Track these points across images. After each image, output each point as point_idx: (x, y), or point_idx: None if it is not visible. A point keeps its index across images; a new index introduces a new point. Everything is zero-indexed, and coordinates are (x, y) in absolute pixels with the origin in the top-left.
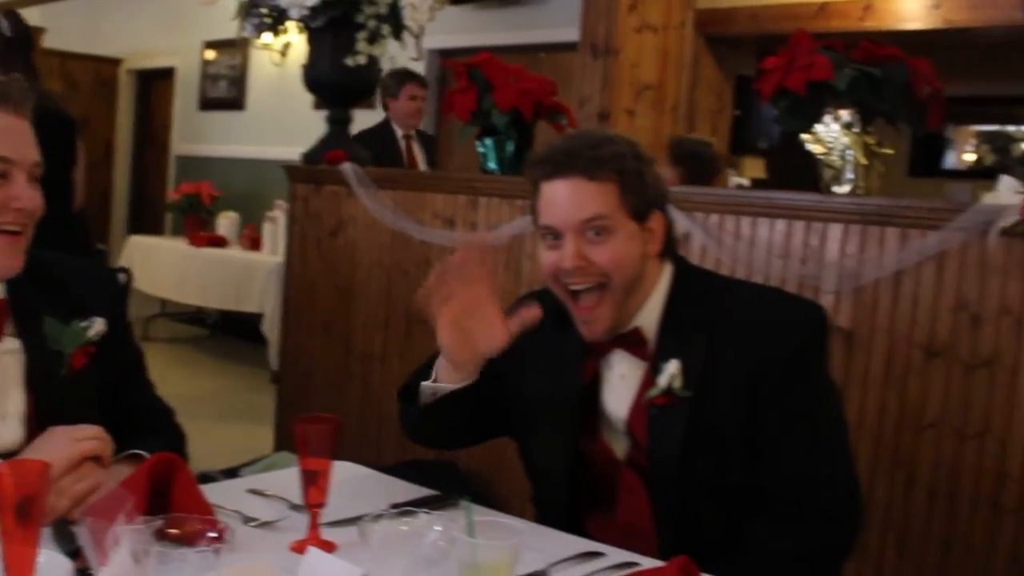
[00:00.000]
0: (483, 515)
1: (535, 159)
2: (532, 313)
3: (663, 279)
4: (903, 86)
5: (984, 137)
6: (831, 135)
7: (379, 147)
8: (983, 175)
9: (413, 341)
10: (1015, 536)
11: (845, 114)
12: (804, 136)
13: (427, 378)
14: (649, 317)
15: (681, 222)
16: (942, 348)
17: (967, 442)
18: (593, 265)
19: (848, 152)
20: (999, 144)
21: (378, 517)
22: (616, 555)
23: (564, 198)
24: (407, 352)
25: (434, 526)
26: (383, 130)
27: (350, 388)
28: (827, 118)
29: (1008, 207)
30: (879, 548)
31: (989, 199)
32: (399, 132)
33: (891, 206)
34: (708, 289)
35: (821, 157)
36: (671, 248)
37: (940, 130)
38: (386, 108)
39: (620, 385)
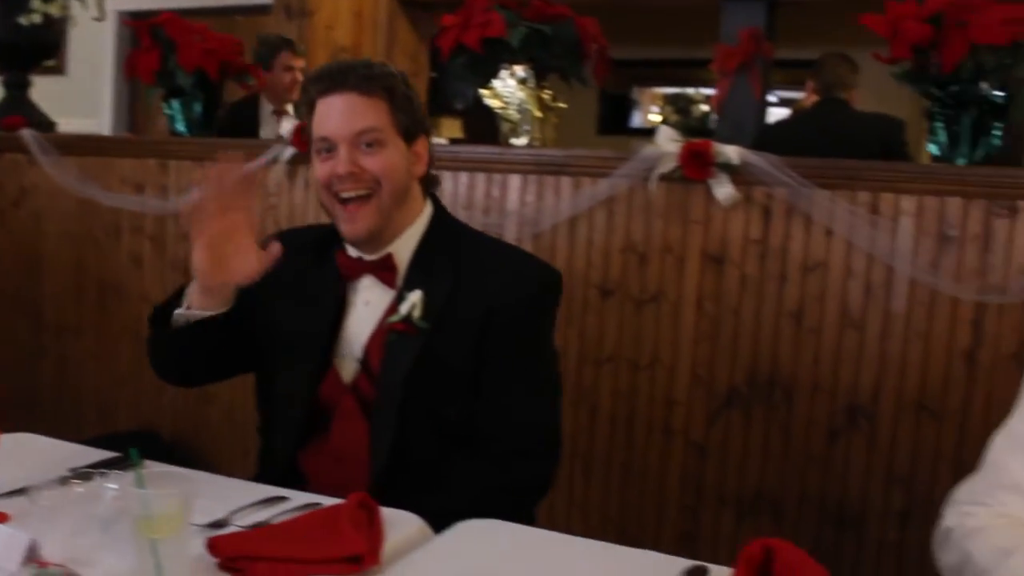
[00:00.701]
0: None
1: (310, 77)
2: (274, 249)
3: (423, 215)
4: (572, 43)
5: (667, 99)
6: (508, 90)
7: (241, 124)
8: None
9: (108, 311)
10: (684, 455)
11: (520, 70)
12: (483, 91)
13: (179, 306)
14: (404, 247)
15: None
16: (615, 287)
17: (640, 372)
18: (365, 172)
19: (524, 106)
20: (681, 105)
21: (50, 483)
22: (299, 498)
23: (339, 112)
24: (103, 323)
25: (109, 486)
26: (248, 105)
27: (44, 363)
28: (503, 74)
29: (666, 155)
30: (568, 476)
31: (650, 148)
32: (268, 108)
33: (565, 156)
34: (460, 234)
35: (500, 111)
36: (432, 184)
37: (603, 85)
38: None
39: (364, 311)
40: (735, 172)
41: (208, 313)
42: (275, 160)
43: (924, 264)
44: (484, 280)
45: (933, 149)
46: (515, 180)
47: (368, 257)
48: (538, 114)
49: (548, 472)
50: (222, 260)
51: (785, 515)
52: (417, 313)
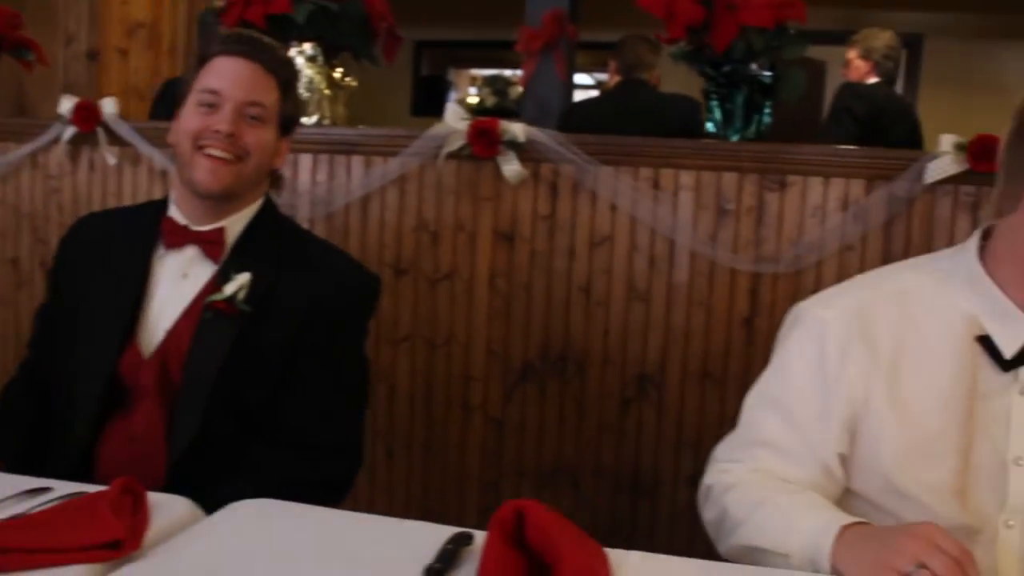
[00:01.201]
0: None
1: (223, 36)
2: None
3: (258, 204)
4: (361, 21)
5: (485, 80)
6: (297, 68)
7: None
8: (486, 115)
9: None
10: (483, 431)
11: (308, 47)
12: None
13: None
14: (235, 225)
15: (157, 159)
16: (408, 266)
17: (437, 350)
18: (241, 140)
19: (313, 85)
20: (498, 87)
21: None
22: (62, 488)
23: (239, 75)
24: None
25: None
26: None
27: None
28: (292, 52)
29: (454, 132)
30: (370, 456)
31: (438, 127)
32: None
33: (355, 135)
34: (289, 229)
35: None
36: (276, 183)
37: (392, 62)
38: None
39: (180, 285)
40: (522, 149)
41: None
42: (56, 140)
43: (703, 236)
44: (307, 276)
45: (710, 126)
46: (306, 160)
47: (196, 227)
48: (328, 92)
49: (350, 472)
50: None
51: (583, 485)
52: (242, 296)
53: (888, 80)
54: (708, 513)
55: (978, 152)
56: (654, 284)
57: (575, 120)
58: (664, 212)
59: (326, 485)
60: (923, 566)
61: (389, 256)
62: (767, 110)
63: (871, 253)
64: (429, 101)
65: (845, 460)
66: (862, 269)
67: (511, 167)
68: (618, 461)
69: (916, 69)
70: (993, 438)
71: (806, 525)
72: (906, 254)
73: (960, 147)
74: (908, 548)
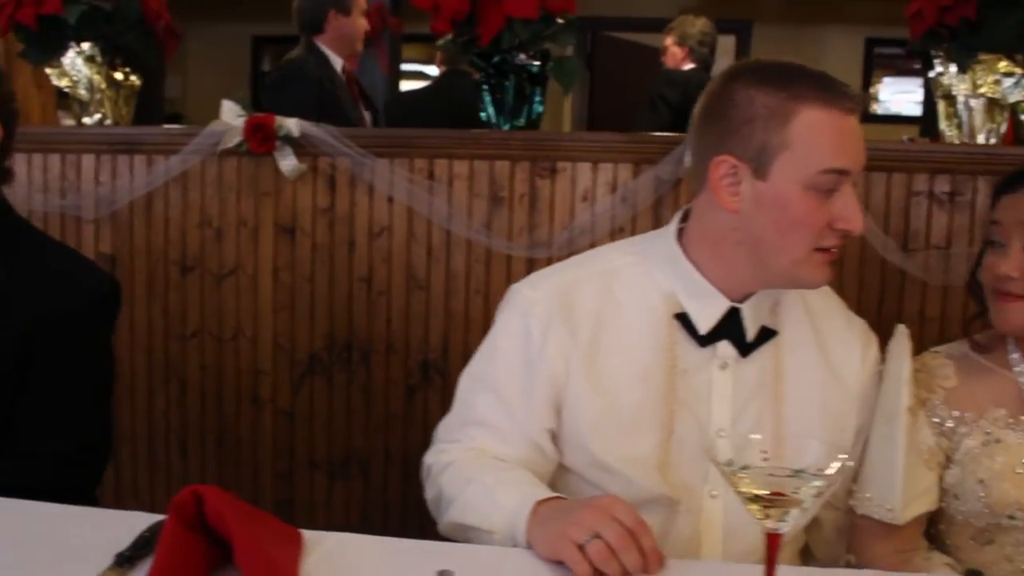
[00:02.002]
0: None
1: None
2: None
3: None
4: (137, 20)
5: None
6: (76, 68)
7: (320, 87)
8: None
9: None
10: (273, 423)
11: (87, 47)
12: (49, 70)
13: None
14: None
15: None
16: (194, 262)
17: (225, 345)
18: None
19: (93, 84)
20: None
21: None
22: None
23: None
24: None
25: None
26: (322, 63)
27: None
28: (71, 52)
29: (231, 129)
30: (165, 453)
31: (215, 123)
32: (338, 64)
33: (136, 133)
34: (22, 231)
35: (68, 90)
36: (4, 177)
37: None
38: (316, 32)
39: None
40: (297, 144)
41: None
42: None
43: (478, 224)
44: (40, 281)
45: (483, 116)
46: (89, 160)
47: None
48: (109, 92)
49: (93, 478)
50: None
51: (373, 474)
52: None
53: (704, 66)
54: (428, 492)
55: None
56: (433, 272)
57: (399, 111)
58: (439, 202)
59: (65, 493)
60: (598, 536)
61: (175, 253)
62: (538, 99)
63: (641, 233)
64: None
65: (555, 436)
66: None
67: (288, 162)
68: (406, 448)
69: (745, 55)
70: (695, 412)
71: (507, 502)
72: None
73: None
74: (585, 520)
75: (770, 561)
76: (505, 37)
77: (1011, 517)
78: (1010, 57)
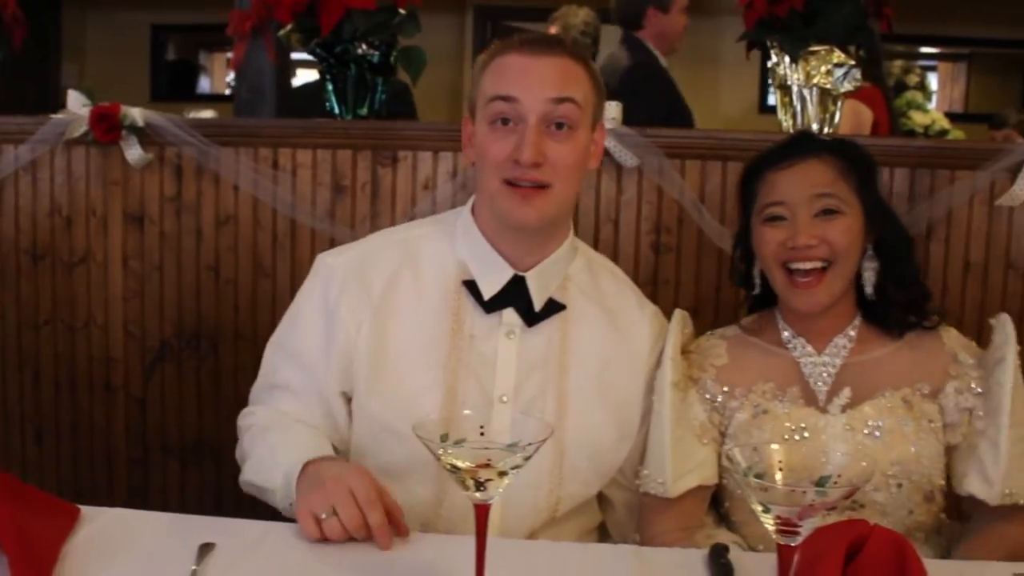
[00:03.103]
0: None
1: None
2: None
3: None
4: None
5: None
6: None
7: (650, 87)
8: None
9: None
10: (126, 410)
11: None
12: None
13: None
14: None
15: None
16: (45, 251)
17: (77, 333)
18: None
19: None
20: None
21: None
22: None
23: None
24: None
25: None
26: (649, 62)
27: None
28: None
29: (76, 119)
30: (20, 443)
31: (62, 113)
32: (663, 62)
33: (6, 123)
34: None
35: None
36: None
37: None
38: (635, 27)
39: None
40: (143, 134)
41: None
42: None
43: (322, 213)
44: None
45: (328, 106)
46: None
47: None
48: None
49: None
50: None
51: (225, 459)
52: None
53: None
54: (236, 453)
55: None
56: (279, 261)
57: (299, 102)
58: (284, 191)
59: None
60: (335, 512)
61: (25, 242)
62: (380, 88)
63: None
64: (177, 86)
65: (348, 399)
66: None
67: (133, 151)
68: None
69: None
70: (480, 377)
71: (285, 460)
72: None
73: None
74: (327, 494)
75: (479, 532)
76: (346, 27)
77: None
78: (843, 48)
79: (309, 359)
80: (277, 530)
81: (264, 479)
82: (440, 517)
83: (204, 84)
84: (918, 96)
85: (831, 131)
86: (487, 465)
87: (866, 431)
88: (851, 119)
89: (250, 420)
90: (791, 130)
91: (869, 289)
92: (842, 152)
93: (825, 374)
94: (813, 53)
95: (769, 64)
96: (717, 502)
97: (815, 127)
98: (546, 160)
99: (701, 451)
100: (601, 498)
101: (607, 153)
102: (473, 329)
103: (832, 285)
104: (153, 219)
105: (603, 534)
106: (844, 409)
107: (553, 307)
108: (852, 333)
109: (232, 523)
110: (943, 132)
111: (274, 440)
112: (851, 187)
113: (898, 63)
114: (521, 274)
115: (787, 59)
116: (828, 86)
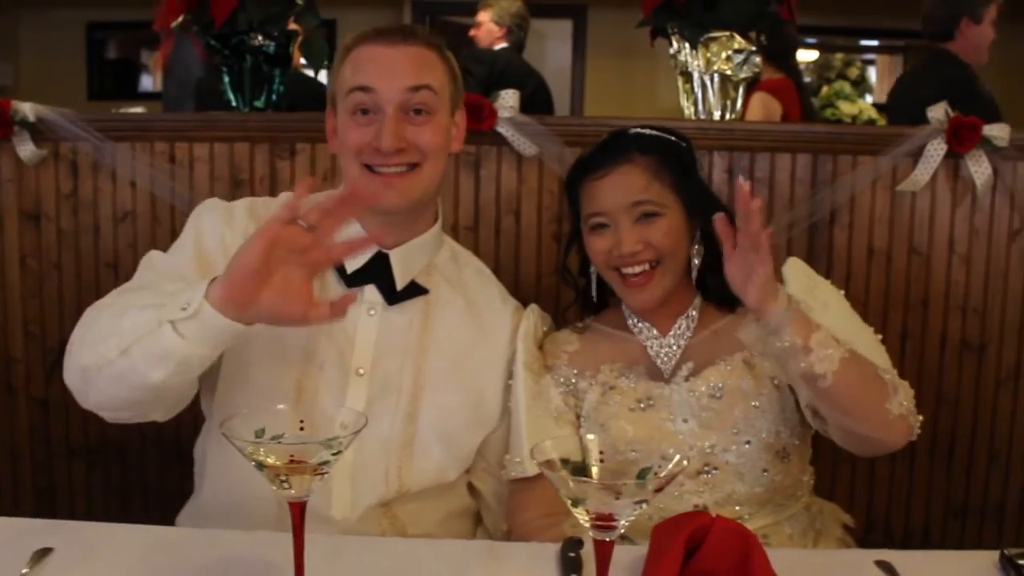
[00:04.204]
0: None
1: None
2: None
3: None
4: None
5: None
6: None
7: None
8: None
9: None
10: (28, 412)
11: None
12: None
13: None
14: None
15: None
16: None
17: None
18: None
19: None
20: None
21: None
22: None
23: None
24: None
25: None
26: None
27: None
28: None
29: None
30: None
31: None
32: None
33: None
34: None
35: None
36: None
37: None
38: (946, 38)
39: None
40: (35, 130)
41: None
42: None
43: None
44: None
45: (225, 98)
46: None
47: None
48: None
49: None
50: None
51: (130, 458)
52: None
53: (516, 47)
54: (75, 361)
55: (468, 114)
56: None
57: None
58: (181, 186)
59: None
60: None
61: None
62: (278, 80)
63: None
64: (118, 85)
65: None
66: None
67: (26, 148)
68: (161, 430)
69: (582, 39)
70: (340, 349)
71: (177, 291)
72: None
73: None
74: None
75: (296, 528)
76: (241, 18)
77: (634, 451)
78: (744, 35)
79: (179, 271)
80: (120, 533)
81: (149, 324)
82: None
83: (147, 83)
84: (845, 86)
85: (733, 117)
86: (299, 462)
87: (708, 394)
88: (760, 112)
89: (92, 315)
90: (693, 117)
91: (694, 275)
92: (656, 149)
93: (670, 353)
94: (714, 39)
95: (671, 51)
96: None
97: (717, 114)
98: (408, 144)
99: (559, 433)
100: (472, 490)
101: (506, 143)
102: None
103: (663, 280)
104: (50, 216)
105: (480, 521)
106: (687, 378)
107: (416, 289)
108: (693, 313)
109: (67, 526)
110: (871, 122)
111: (147, 296)
112: (667, 185)
113: (839, 56)
114: (385, 251)
115: (687, 46)
116: (729, 72)
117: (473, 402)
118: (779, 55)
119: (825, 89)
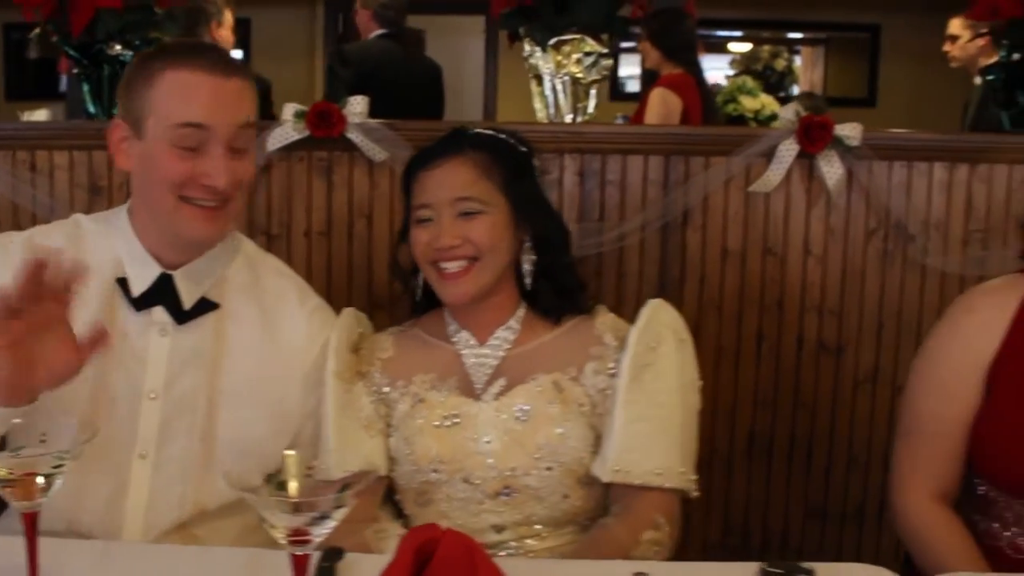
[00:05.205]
0: None
1: None
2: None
3: None
4: None
5: None
6: None
7: None
8: None
9: None
10: None
11: None
12: None
13: None
14: None
15: None
16: None
17: None
18: None
19: None
20: None
21: None
22: None
23: None
24: None
25: None
26: None
27: None
28: None
29: None
30: None
31: None
32: None
33: None
34: None
35: None
36: None
37: None
38: None
39: None
40: None
41: None
42: None
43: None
44: None
45: (84, 107)
46: None
47: None
48: None
49: None
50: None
51: None
52: None
53: (394, 31)
54: None
55: (315, 120)
56: None
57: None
58: (42, 194)
59: None
60: None
61: None
62: None
63: None
64: (39, 85)
65: None
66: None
67: None
68: None
69: (495, 36)
70: (131, 373)
71: None
72: (267, 216)
73: (299, 115)
74: None
75: (29, 539)
76: (99, 28)
77: (435, 471)
78: (595, 37)
79: None
80: None
81: None
82: (84, 505)
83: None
84: (748, 81)
85: (583, 119)
86: (32, 474)
87: (515, 415)
88: (659, 107)
89: None
90: (547, 120)
91: (528, 280)
92: (491, 148)
93: (485, 365)
94: (566, 42)
95: (524, 54)
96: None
97: (568, 117)
98: (234, 180)
99: (368, 442)
100: None
101: (356, 148)
102: (126, 326)
103: (479, 278)
104: None
105: None
106: (498, 396)
107: (206, 306)
108: (515, 325)
109: None
110: (772, 117)
111: None
112: (495, 185)
113: (767, 48)
114: (169, 272)
115: (539, 49)
116: (580, 75)
117: (273, 413)
118: (678, 51)
119: (729, 84)
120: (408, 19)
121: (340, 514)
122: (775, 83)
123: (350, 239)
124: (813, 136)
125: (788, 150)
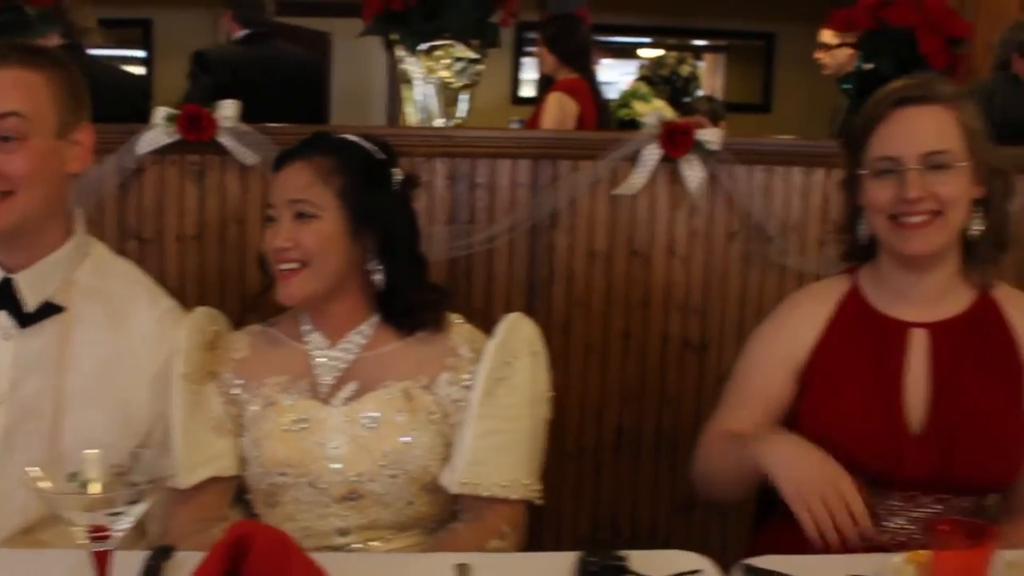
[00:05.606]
0: None
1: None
2: None
3: None
4: None
5: None
6: None
7: None
8: None
9: None
10: None
11: None
12: None
13: None
14: None
15: None
16: None
17: None
18: None
19: None
20: None
21: None
22: None
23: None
24: None
25: None
26: None
27: None
28: None
29: None
30: None
31: None
32: None
33: None
34: None
35: None
36: None
37: None
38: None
39: None
40: None
41: None
42: None
43: None
44: None
45: None
46: None
47: None
48: None
49: None
50: None
51: None
52: None
53: (260, 31)
54: None
55: (186, 124)
56: None
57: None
58: None
59: None
60: None
61: None
62: None
63: (108, 221)
64: None
65: None
66: (102, 237)
67: None
68: None
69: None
70: None
71: None
72: (139, 220)
73: (171, 118)
74: None
75: None
76: None
77: (283, 474)
78: (465, 43)
79: None
80: None
81: None
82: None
83: None
84: (641, 87)
85: (453, 123)
86: None
87: (363, 422)
88: (556, 111)
89: None
90: (417, 124)
91: (378, 289)
92: (340, 153)
93: (334, 368)
94: (436, 47)
95: (395, 59)
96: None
97: (439, 122)
98: None
99: (217, 443)
100: None
101: (228, 153)
102: None
103: (307, 282)
104: None
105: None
106: (347, 402)
107: (50, 309)
108: (367, 330)
109: None
110: None
111: None
112: (332, 190)
113: (673, 55)
114: (10, 276)
115: (409, 54)
116: (450, 80)
117: (120, 415)
118: (573, 56)
119: (628, 88)
120: (315, 22)
121: (137, 510)
122: (681, 88)
123: (222, 243)
124: (676, 141)
125: (652, 154)
